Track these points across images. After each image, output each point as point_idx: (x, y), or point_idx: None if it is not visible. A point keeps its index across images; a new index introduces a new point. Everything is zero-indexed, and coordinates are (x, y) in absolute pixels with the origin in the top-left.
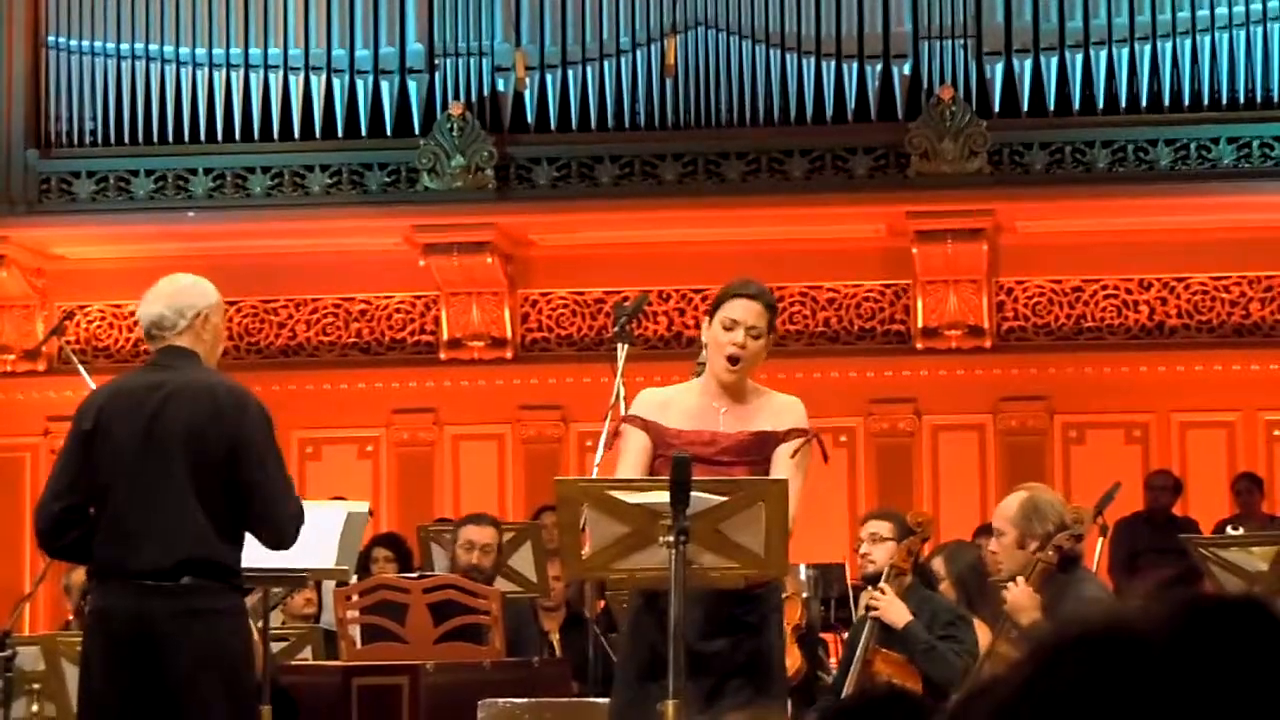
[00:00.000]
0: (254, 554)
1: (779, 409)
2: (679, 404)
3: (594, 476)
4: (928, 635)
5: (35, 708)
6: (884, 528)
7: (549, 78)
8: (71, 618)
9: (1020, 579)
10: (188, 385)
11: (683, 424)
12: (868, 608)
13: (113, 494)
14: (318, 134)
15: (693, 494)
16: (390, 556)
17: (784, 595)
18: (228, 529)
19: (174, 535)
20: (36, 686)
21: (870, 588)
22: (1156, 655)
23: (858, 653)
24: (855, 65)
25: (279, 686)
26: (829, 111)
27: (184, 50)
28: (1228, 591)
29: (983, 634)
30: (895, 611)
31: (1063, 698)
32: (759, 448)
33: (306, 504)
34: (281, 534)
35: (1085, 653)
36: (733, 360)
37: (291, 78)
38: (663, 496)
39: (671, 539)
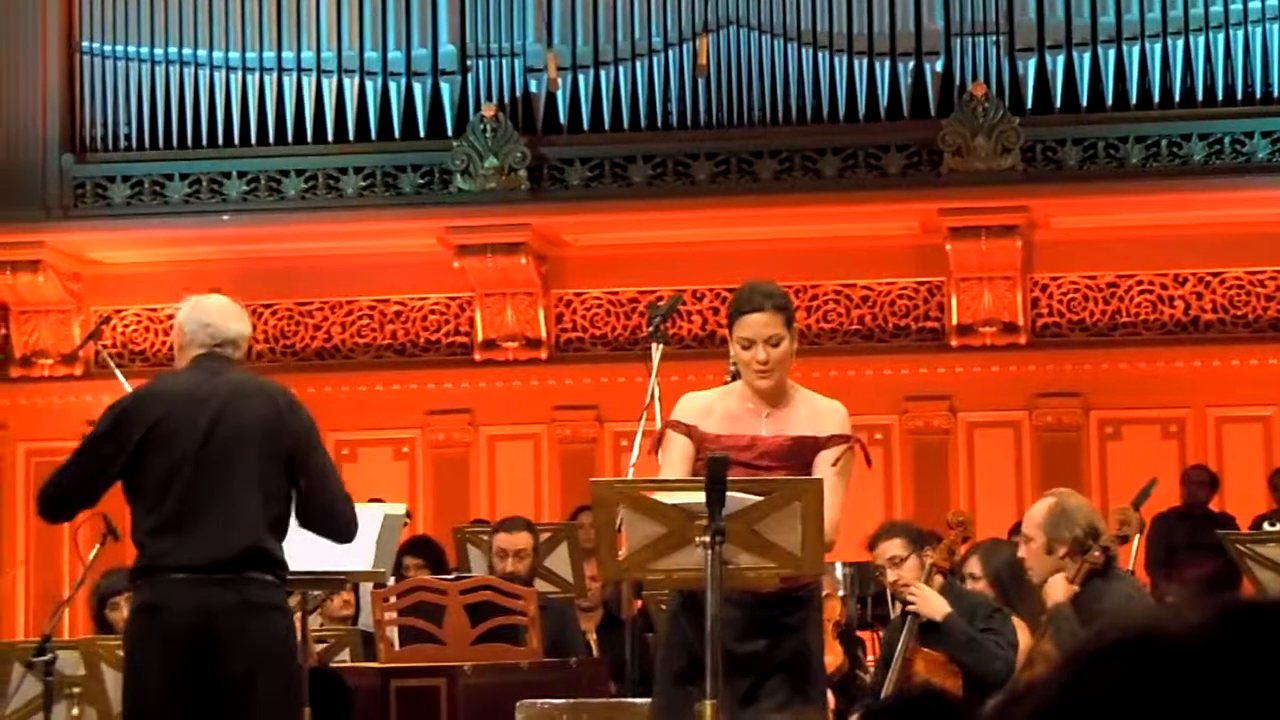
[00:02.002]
0: (292, 556)
1: (819, 413)
2: (719, 409)
3: (629, 477)
4: (968, 627)
5: (75, 712)
6: (897, 545)
7: (581, 78)
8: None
9: (1060, 576)
10: (246, 386)
11: (722, 429)
12: (904, 604)
13: (173, 490)
14: (351, 136)
15: (728, 494)
16: (421, 564)
17: (824, 593)
18: (279, 526)
19: (235, 528)
20: (77, 690)
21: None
22: (1192, 660)
23: (897, 652)
24: (888, 63)
25: (331, 672)
26: (862, 109)
27: (217, 54)
28: (1264, 596)
29: (1020, 631)
30: (933, 604)
31: (1099, 704)
32: (799, 452)
33: None
34: (349, 527)
35: (1121, 658)
36: (763, 375)
37: (324, 80)
38: (698, 497)
39: (707, 539)
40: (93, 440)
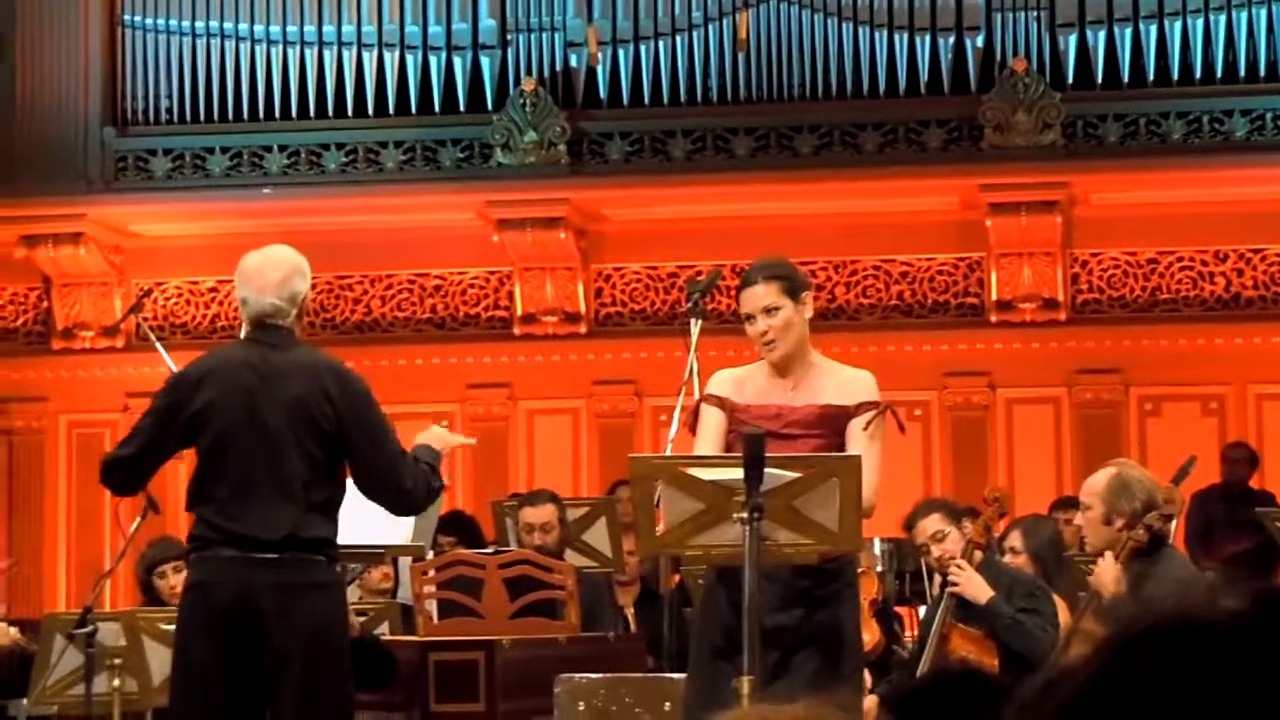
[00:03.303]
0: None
1: (846, 382)
2: (750, 382)
3: (668, 453)
4: (1010, 609)
5: (117, 682)
6: (936, 521)
7: (621, 52)
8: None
9: (1109, 554)
10: (292, 363)
11: (752, 399)
12: (946, 584)
13: (219, 469)
14: (391, 110)
15: (767, 470)
16: (455, 541)
17: (860, 570)
18: (327, 505)
19: (277, 509)
20: (118, 661)
21: (948, 564)
22: (1225, 647)
23: (934, 628)
24: (928, 38)
25: (372, 640)
26: (902, 84)
27: (259, 28)
28: None
29: (1060, 608)
30: (976, 587)
31: (1133, 688)
32: (827, 421)
33: None
34: (405, 496)
35: (1156, 644)
36: (768, 346)
37: (365, 54)
38: (737, 473)
39: (746, 515)
40: (147, 415)
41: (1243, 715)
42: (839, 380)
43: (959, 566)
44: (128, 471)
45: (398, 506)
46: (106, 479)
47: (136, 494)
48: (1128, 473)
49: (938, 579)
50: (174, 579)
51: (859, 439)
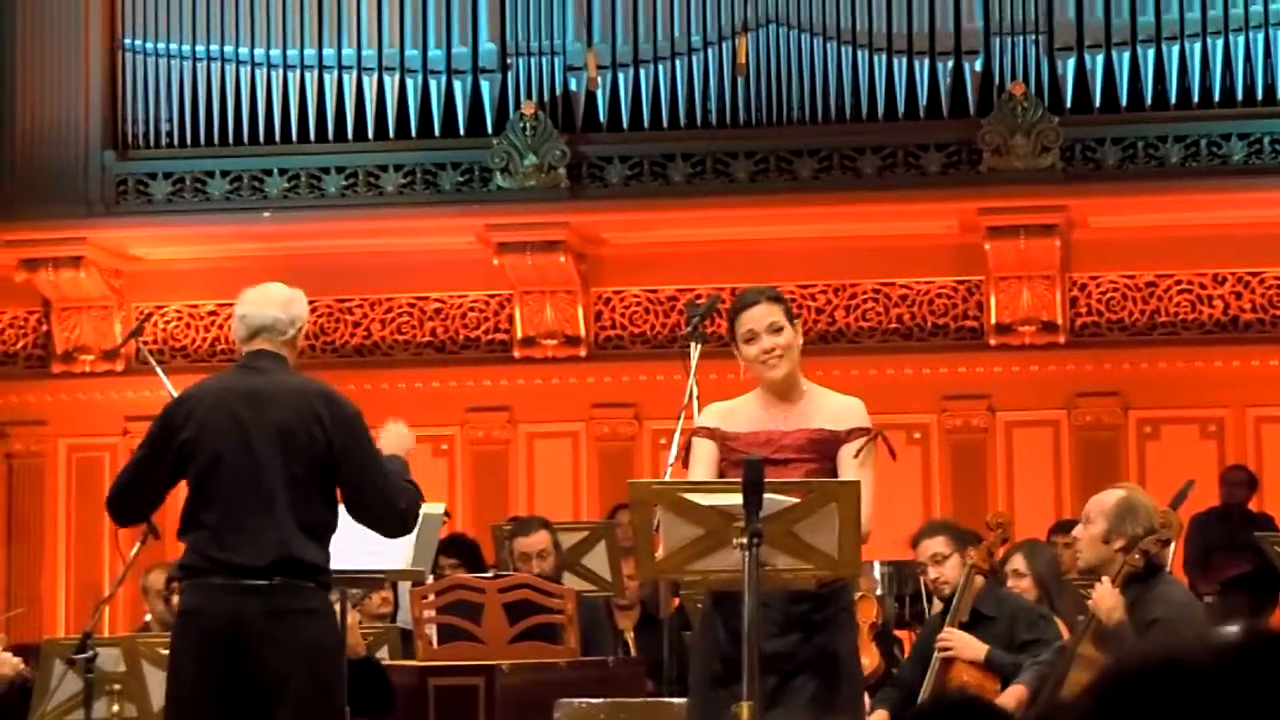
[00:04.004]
0: (331, 555)
1: (837, 409)
2: (741, 411)
3: (667, 479)
4: (1011, 657)
5: (116, 708)
6: (940, 543)
7: (621, 76)
8: (149, 618)
9: (1105, 579)
10: (283, 387)
11: (742, 428)
12: (947, 606)
13: (207, 495)
14: (391, 134)
15: (766, 496)
16: (457, 564)
17: (859, 594)
18: (318, 530)
19: (266, 535)
20: (117, 687)
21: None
22: (1214, 686)
23: (934, 660)
24: (927, 61)
25: (372, 662)
26: (901, 108)
27: (259, 51)
28: None
29: (1064, 633)
30: (970, 649)
31: None
32: (818, 446)
33: None
34: (398, 519)
35: (1145, 683)
36: (773, 363)
37: (365, 78)
38: (736, 499)
39: (745, 541)
40: (142, 445)
41: None
42: (830, 406)
43: (948, 634)
44: (128, 502)
45: (391, 528)
46: (111, 512)
47: (142, 521)
48: (1136, 497)
49: (937, 602)
50: None
51: (850, 465)
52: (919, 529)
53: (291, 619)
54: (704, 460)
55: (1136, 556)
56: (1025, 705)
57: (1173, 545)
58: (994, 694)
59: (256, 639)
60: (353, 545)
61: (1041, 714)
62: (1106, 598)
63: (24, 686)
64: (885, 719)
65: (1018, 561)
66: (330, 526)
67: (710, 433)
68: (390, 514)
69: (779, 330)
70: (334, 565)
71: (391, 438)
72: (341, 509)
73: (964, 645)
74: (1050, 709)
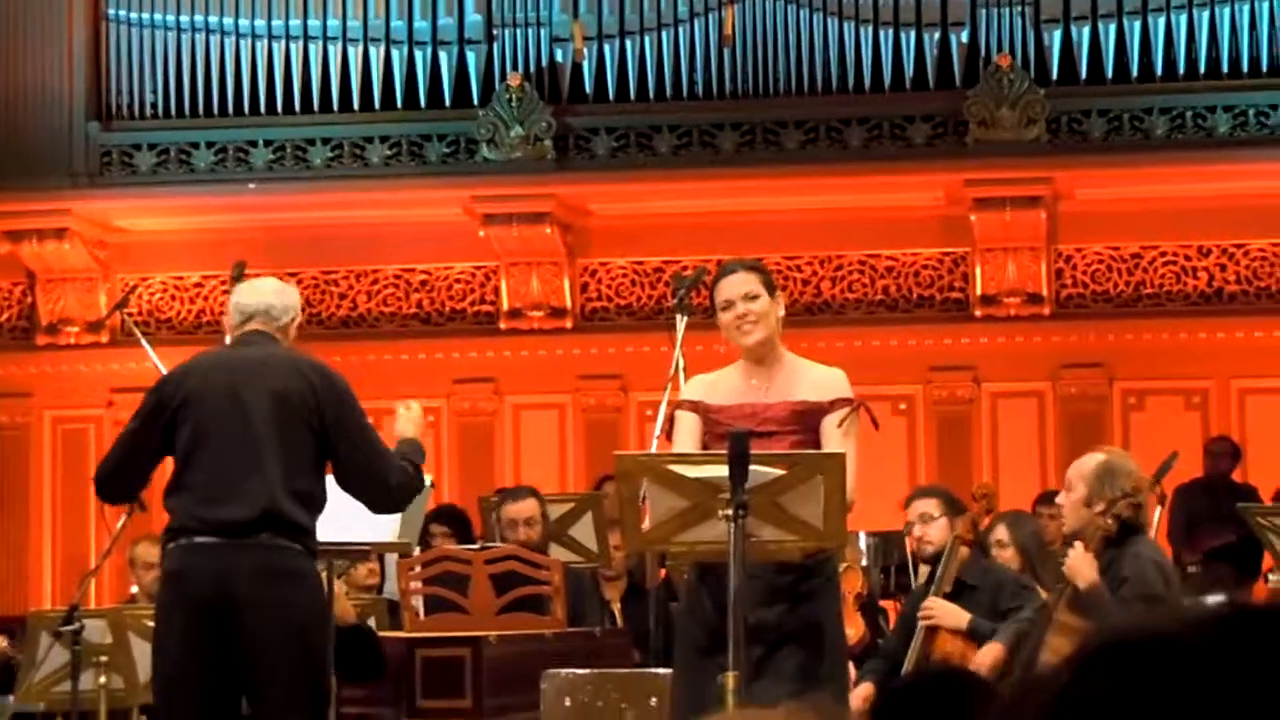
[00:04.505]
0: (319, 527)
1: (820, 380)
2: (723, 383)
3: (653, 450)
4: (993, 625)
5: (103, 679)
6: (931, 505)
7: (607, 48)
8: (135, 590)
9: (1079, 544)
10: (272, 358)
11: (725, 400)
12: (932, 575)
13: (196, 459)
14: (377, 105)
15: (751, 468)
16: (448, 533)
17: (844, 565)
18: (306, 497)
19: (255, 493)
20: (104, 659)
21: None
22: (1189, 661)
23: (919, 627)
24: (913, 33)
25: (364, 630)
26: (887, 80)
27: (244, 22)
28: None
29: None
30: (952, 617)
31: (1098, 703)
32: (801, 418)
33: None
34: (390, 493)
35: (1121, 659)
36: (747, 330)
37: (350, 49)
38: (722, 470)
39: (730, 512)
40: (134, 420)
41: None
42: (812, 378)
43: (929, 604)
44: (119, 480)
45: (381, 503)
46: (101, 492)
47: (131, 499)
48: (1116, 460)
49: (923, 568)
50: None
51: (834, 436)
52: (913, 490)
53: (279, 580)
54: (687, 433)
55: (1109, 520)
56: (1002, 662)
57: (1157, 511)
58: (977, 665)
59: (244, 601)
60: (340, 516)
61: (1019, 682)
62: (1079, 561)
63: (7, 665)
64: (870, 691)
65: (1001, 532)
66: (318, 497)
67: (694, 405)
68: (378, 488)
69: (754, 298)
70: (321, 536)
71: (411, 419)
72: (331, 480)
73: (946, 614)
74: (1028, 680)
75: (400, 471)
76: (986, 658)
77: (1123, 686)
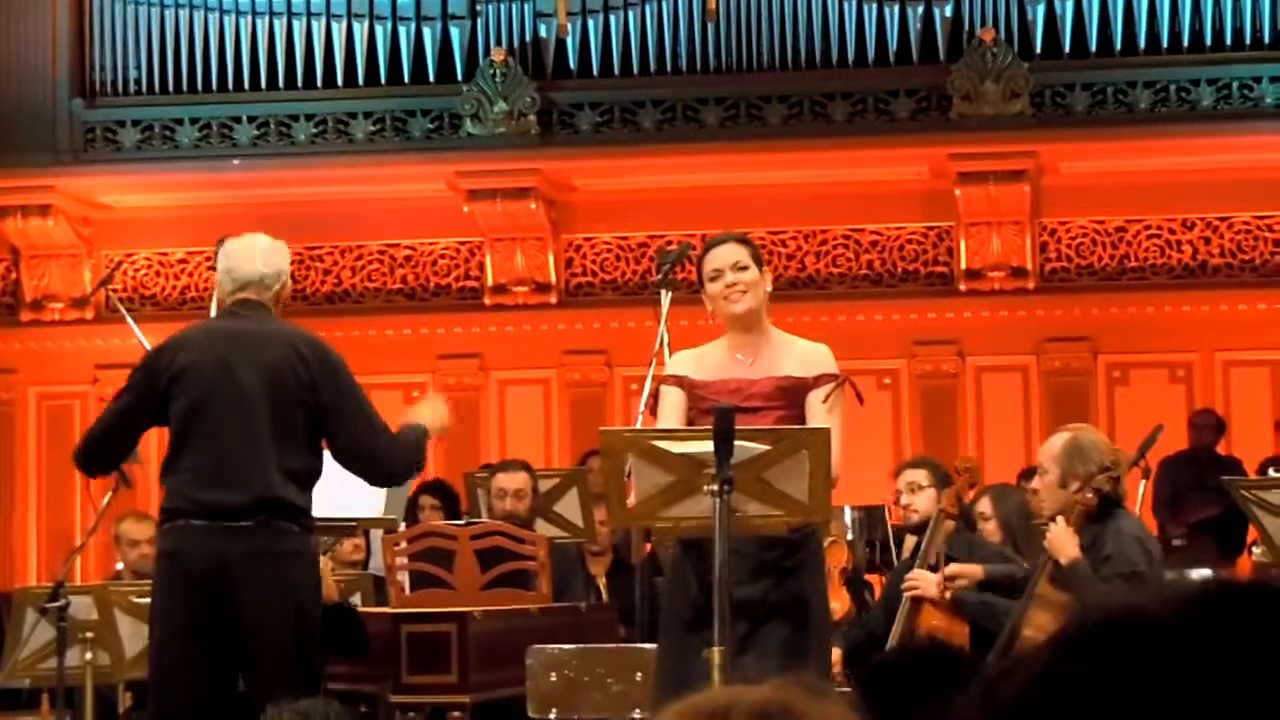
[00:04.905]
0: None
1: (805, 355)
2: (707, 358)
3: (639, 426)
4: (976, 595)
5: (89, 656)
6: (921, 475)
7: (591, 23)
8: (120, 566)
9: (1060, 519)
10: (266, 333)
11: (710, 376)
12: (917, 549)
13: (192, 438)
14: (361, 81)
15: (736, 444)
16: (437, 505)
17: (830, 539)
18: (302, 474)
19: (251, 476)
20: (89, 635)
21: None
22: (1172, 640)
23: (903, 601)
24: (897, 7)
25: (349, 610)
26: (871, 54)
27: None
28: (1250, 576)
29: None
30: (937, 588)
31: (1080, 682)
32: (786, 394)
33: None
34: (385, 467)
35: (1103, 638)
36: (735, 298)
37: (334, 25)
38: (706, 446)
39: (716, 488)
40: (122, 392)
41: (1186, 711)
42: (797, 353)
43: (914, 576)
44: (98, 453)
45: (376, 476)
46: (81, 463)
47: (110, 473)
48: (1083, 437)
49: (908, 543)
50: None
51: (819, 411)
52: (903, 461)
53: (274, 561)
54: (672, 409)
55: (1089, 495)
56: (971, 582)
57: (1142, 485)
58: (962, 638)
59: (240, 580)
60: (326, 493)
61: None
62: (1060, 537)
63: None
64: (838, 656)
65: (984, 504)
66: (314, 472)
67: (678, 381)
68: (374, 459)
69: (744, 269)
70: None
71: (429, 413)
72: (327, 457)
73: (928, 583)
74: (1009, 660)
75: (396, 446)
76: (958, 569)
77: (1105, 666)
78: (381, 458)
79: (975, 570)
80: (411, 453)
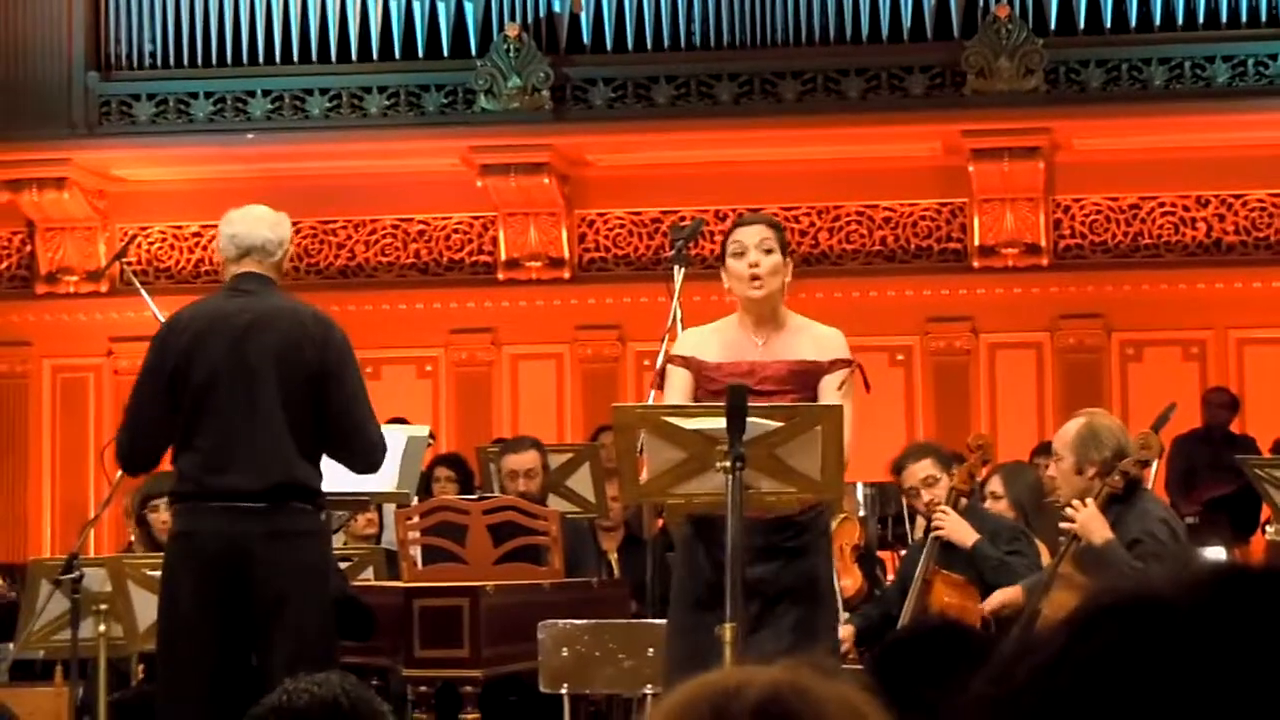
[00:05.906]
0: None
1: (820, 339)
2: (718, 338)
3: (651, 402)
4: (998, 551)
5: (102, 627)
6: (928, 466)
7: None
8: (134, 538)
9: (1089, 500)
10: (274, 310)
11: (721, 357)
12: (929, 529)
13: (202, 419)
14: (375, 56)
15: (749, 420)
16: (452, 476)
17: (842, 516)
18: (312, 452)
19: (264, 458)
20: (104, 607)
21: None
22: (1185, 623)
23: (917, 573)
24: None
25: (351, 596)
26: (885, 30)
27: None
28: (1264, 559)
29: (1043, 553)
30: (961, 532)
31: (1093, 664)
32: (799, 377)
33: None
34: (371, 458)
35: (1116, 620)
36: (755, 283)
37: (349, 0)
38: (719, 422)
39: (728, 464)
40: (141, 380)
41: (1198, 695)
42: (811, 337)
43: (943, 512)
44: (143, 448)
45: (362, 462)
46: (126, 466)
47: (157, 466)
48: (1097, 422)
49: (920, 523)
50: (165, 514)
51: (833, 396)
52: (900, 454)
53: (289, 540)
54: (678, 390)
55: (1116, 478)
56: (1014, 606)
57: (1154, 465)
58: (975, 616)
59: (255, 559)
60: (339, 467)
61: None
62: (1092, 520)
63: (6, 605)
64: (851, 633)
65: (995, 484)
66: (322, 448)
67: (685, 362)
68: (364, 445)
69: (769, 251)
70: (322, 487)
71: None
72: None
73: (956, 526)
74: (1023, 639)
75: (379, 445)
76: (998, 599)
77: (1118, 649)
78: (371, 444)
79: (966, 537)
80: (383, 451)
